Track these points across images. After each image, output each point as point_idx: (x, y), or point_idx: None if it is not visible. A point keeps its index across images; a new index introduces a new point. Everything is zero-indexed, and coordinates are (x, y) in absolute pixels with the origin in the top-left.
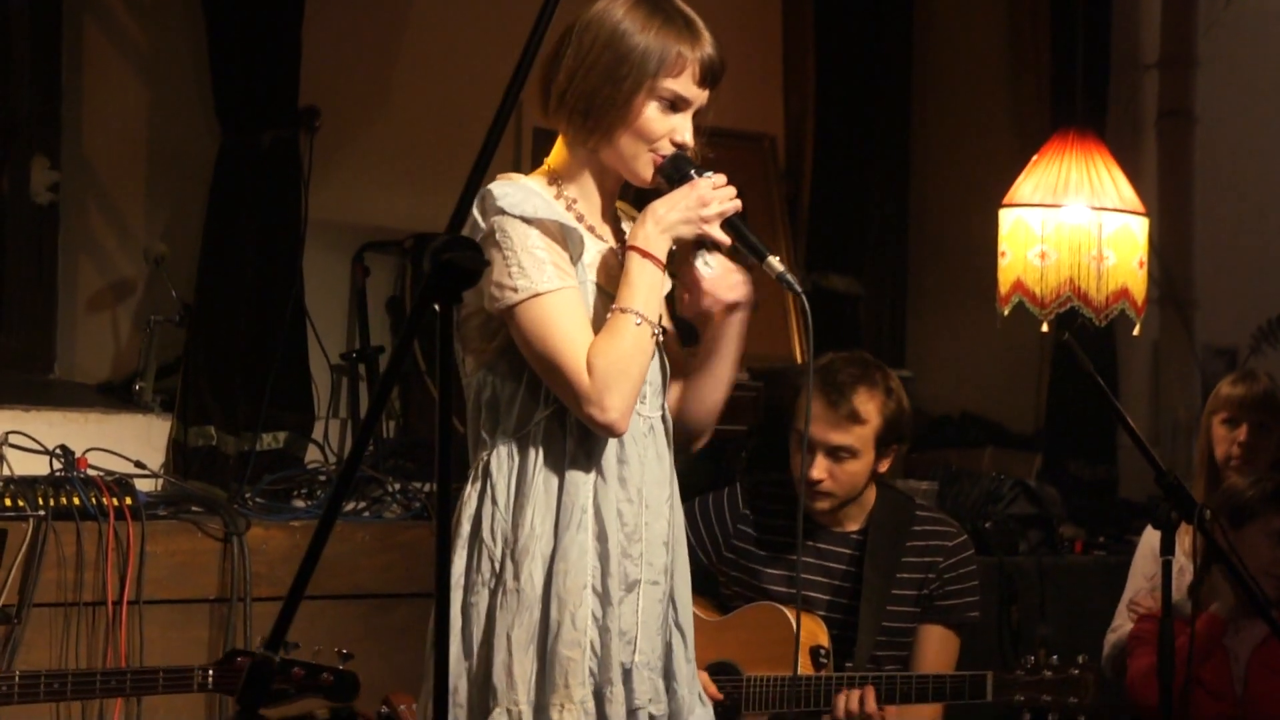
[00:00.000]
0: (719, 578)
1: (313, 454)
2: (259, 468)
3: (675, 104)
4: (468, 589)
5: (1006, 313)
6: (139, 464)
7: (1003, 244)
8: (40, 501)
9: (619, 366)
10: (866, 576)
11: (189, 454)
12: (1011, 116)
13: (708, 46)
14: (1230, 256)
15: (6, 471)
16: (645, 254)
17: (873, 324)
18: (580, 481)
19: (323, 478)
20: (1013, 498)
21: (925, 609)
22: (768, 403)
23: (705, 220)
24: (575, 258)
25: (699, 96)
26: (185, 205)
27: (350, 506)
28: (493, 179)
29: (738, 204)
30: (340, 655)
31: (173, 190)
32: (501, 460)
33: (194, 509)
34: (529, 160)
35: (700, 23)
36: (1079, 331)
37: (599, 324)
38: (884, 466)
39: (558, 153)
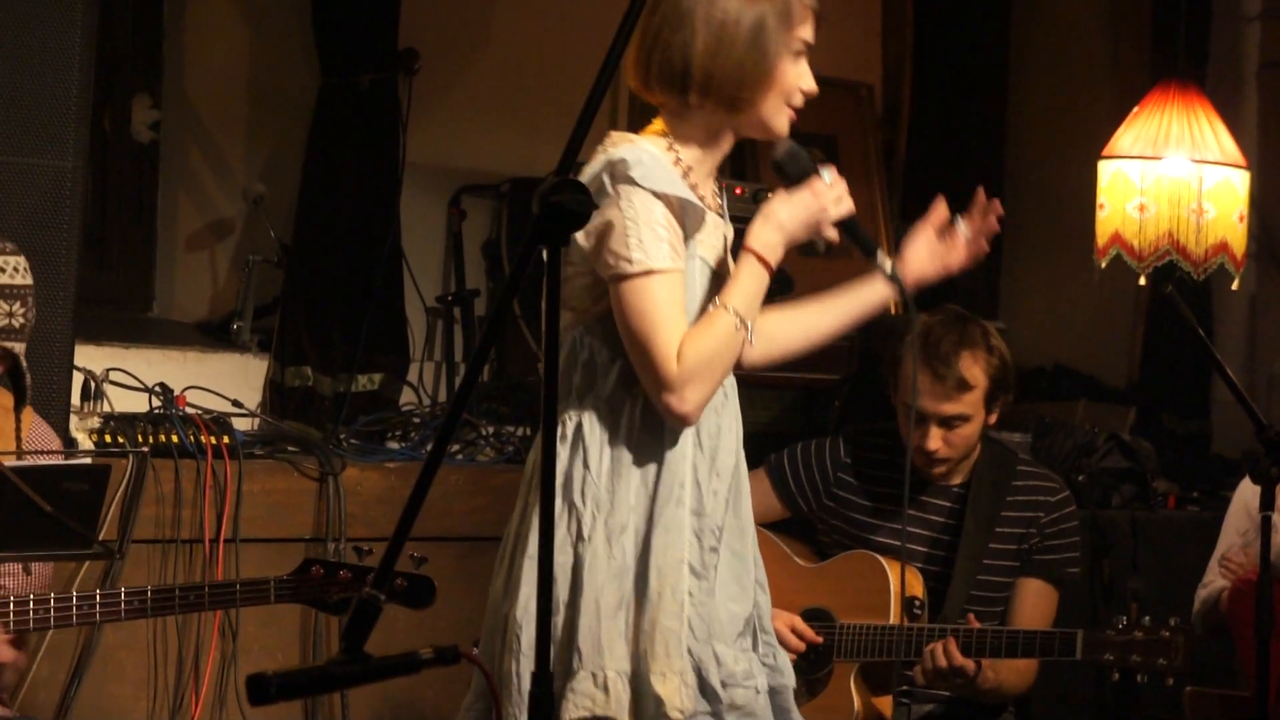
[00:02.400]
0: (817, 525)
1: (407, 396)
2: (354, 409)
3: (799, 53)
4: (555, 542)
5: (1104, 265)
6: (236, 403)
7: (1101, 196)
8: (140, 439)
9: (707, 361)
10: (966, 528)
11: (285, 394)
12: (1111, 67)
13: None
14: None
15: (107, 408)
16: (761, 259)
17: (967, 275)
18: (679, 455)
19: (417, 420)
20: (1106, 451)
21: (1024, 562)
22: (863, 352)
23: (823, 224)
24: (690, 234)
25: (812, 38)
26: (284, 146)
27: None
28: (595, 128)
29: (851, 205)
30: (415, 560)
31: (272, 131)
32: (594, 424)
33: (290, 449)
34: (624, 106)
35: None
36: (1178, 285)
37: (699, 294)
38: (993, 419)
39: (672, 116)
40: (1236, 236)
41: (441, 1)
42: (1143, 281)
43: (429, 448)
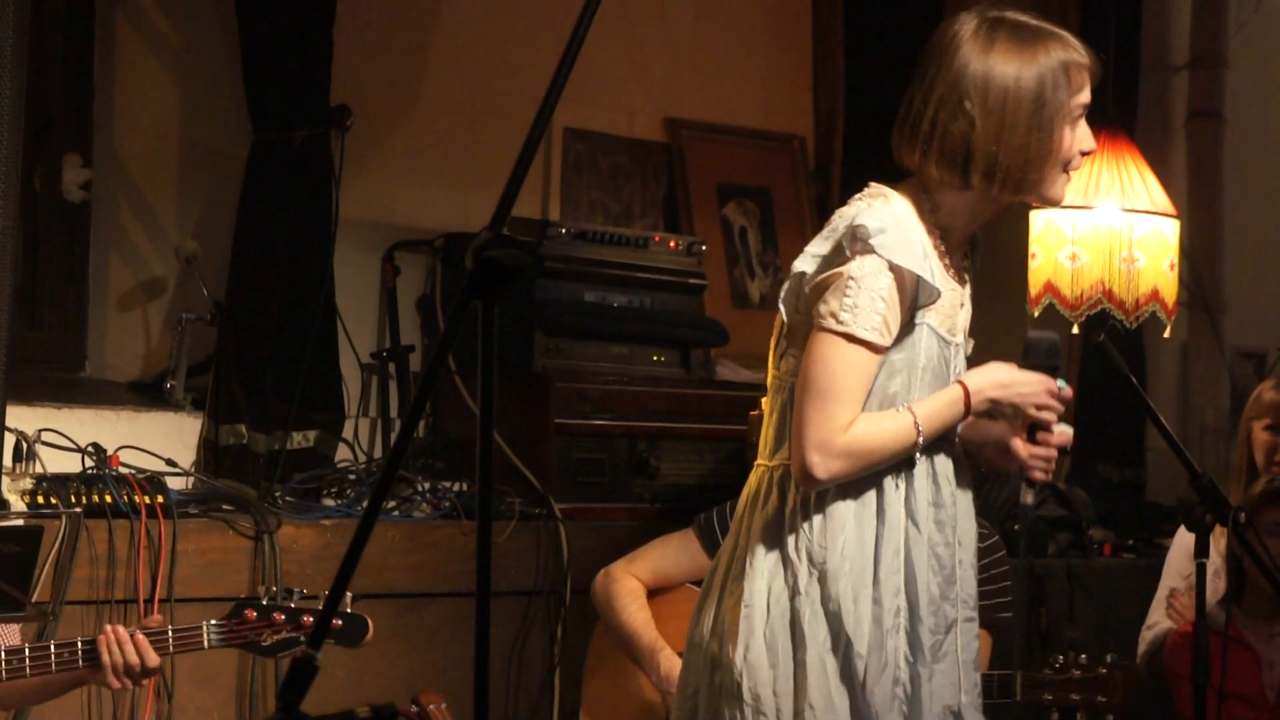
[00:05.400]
0: None
1: (343, 453)
2: (289, 466)
3: (1079, 118)
4: (771, 597)
5: (1037, 314)
6: (170, 462)
7: (1033, 245)
8: (73, 499)
9: (870, 449)
10: None
11: (220, 452)
12: None
13: (1081, 46)
14: (1259, 259)
15: (39, 469)
16: (965, 398)
17: None
18: (895, 522)
19: (352, 477)
20: (1042, 500)
21: None
22: None
23: (1030, 412)
24: (919, 306)
25: (1089, 100)
26: (217, 203)
27: None
28: (528, 182)
29: (1051, 418)
30: (348, 598)
31: (204, 188)
32: None
33: (225, 507)
34: (559, 159)
35: (1055, 25)
36: (1110, 333)
37: (921, 358)
38: None
39: (945, 184)
40: (1167, 285)
41: (374, 57)
42: (1075, 330)
43: (365, 504)
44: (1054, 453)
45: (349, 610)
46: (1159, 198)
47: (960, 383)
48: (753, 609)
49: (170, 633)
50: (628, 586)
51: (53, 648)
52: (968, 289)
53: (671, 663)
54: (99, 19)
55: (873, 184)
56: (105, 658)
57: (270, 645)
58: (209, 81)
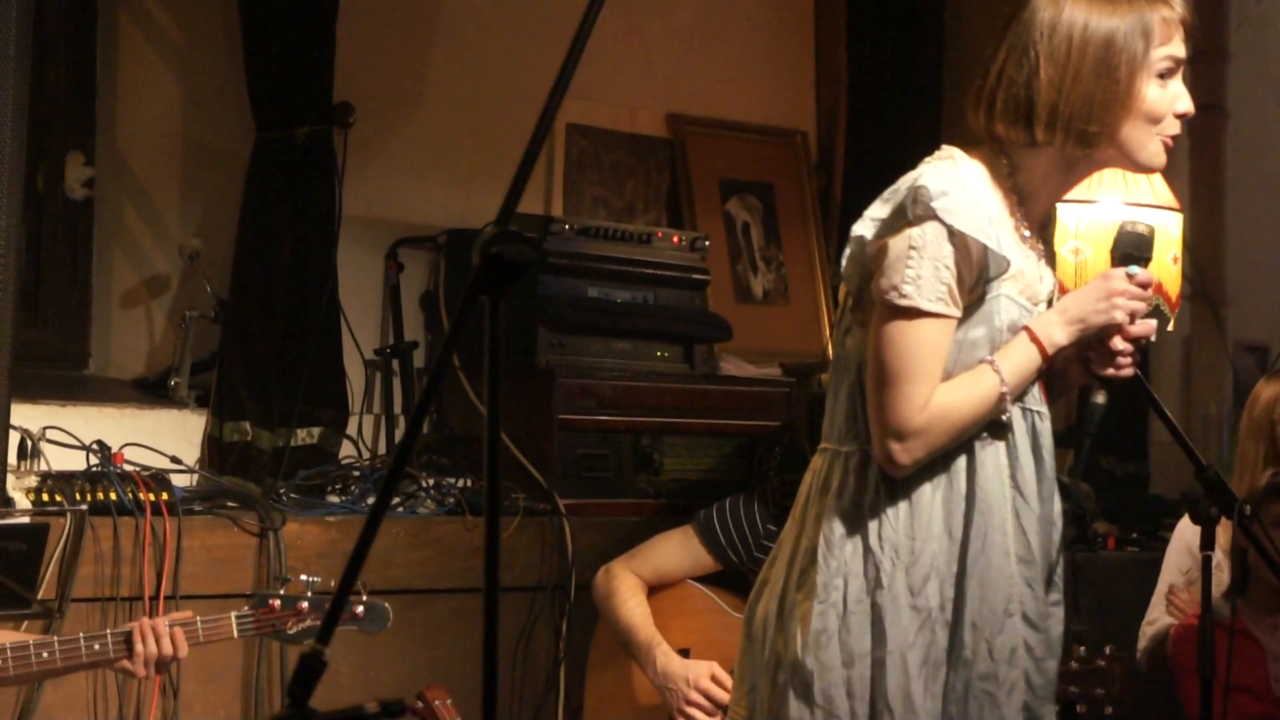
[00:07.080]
0: (749, 577)
1: (347, 450)
2: (293, 463)
3: (1167, 73)
4: (849, 592)
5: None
6: (175, 459)
7: None
8: (78, 496)
9: (956, 417)
10: None
11: (224, 449)
12: None
13: (1176, 1)
14: (1261, 253)
15: (44, 466)
16: (1034, 338)
17: None
18: (995, 499)
19: (357, 473)
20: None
21: None
22: (800, 400)
23: (1118, 318)
24: (989, 277)
25: (1183, 54)
26: (220, 201)
27: None
28: (532, 178)
29: (1151, 326)
30: (365, 587)
31: (207, 186)
32: None
33: (229, 504)
34: (561, 155)
35: None
36: None
37: (1000, 332)
38: None
39: (1019, 146)
40: (1171, 279)
41: (376, 54)
42: None
43: (369, 501)
44: (1133, 348)
45: (365, 599)
46: (1162, 191)
47: (1025, 328)
48: (828, 604)
49: (199, 624)
50: (628, 583)
51: (82, 640)
52: (1045, 262)
53: (668, 659)
54: (102, 17)
55: (945, 145)
56: (140, 648)
57: (296, 633)
58: (211, 78)
